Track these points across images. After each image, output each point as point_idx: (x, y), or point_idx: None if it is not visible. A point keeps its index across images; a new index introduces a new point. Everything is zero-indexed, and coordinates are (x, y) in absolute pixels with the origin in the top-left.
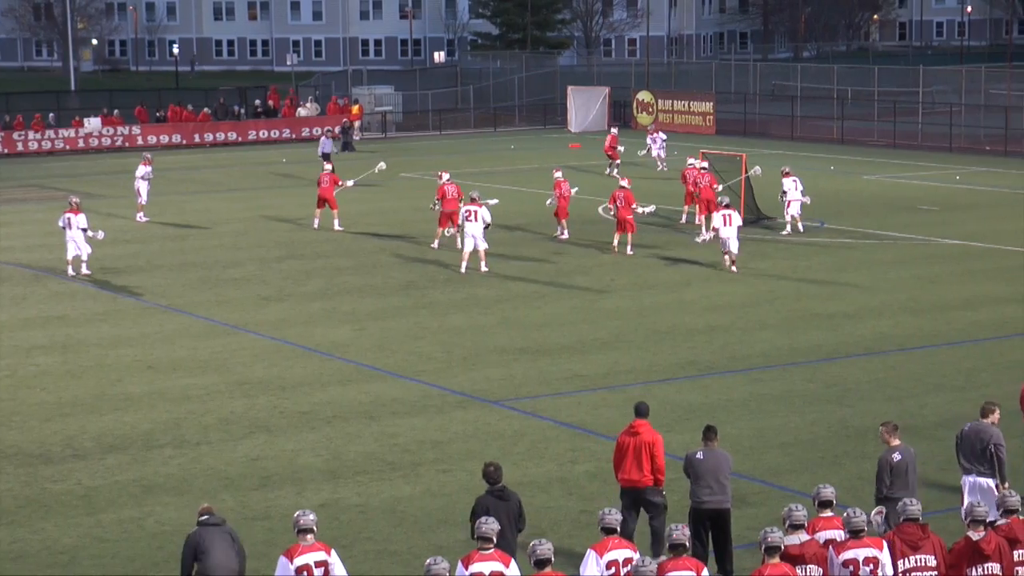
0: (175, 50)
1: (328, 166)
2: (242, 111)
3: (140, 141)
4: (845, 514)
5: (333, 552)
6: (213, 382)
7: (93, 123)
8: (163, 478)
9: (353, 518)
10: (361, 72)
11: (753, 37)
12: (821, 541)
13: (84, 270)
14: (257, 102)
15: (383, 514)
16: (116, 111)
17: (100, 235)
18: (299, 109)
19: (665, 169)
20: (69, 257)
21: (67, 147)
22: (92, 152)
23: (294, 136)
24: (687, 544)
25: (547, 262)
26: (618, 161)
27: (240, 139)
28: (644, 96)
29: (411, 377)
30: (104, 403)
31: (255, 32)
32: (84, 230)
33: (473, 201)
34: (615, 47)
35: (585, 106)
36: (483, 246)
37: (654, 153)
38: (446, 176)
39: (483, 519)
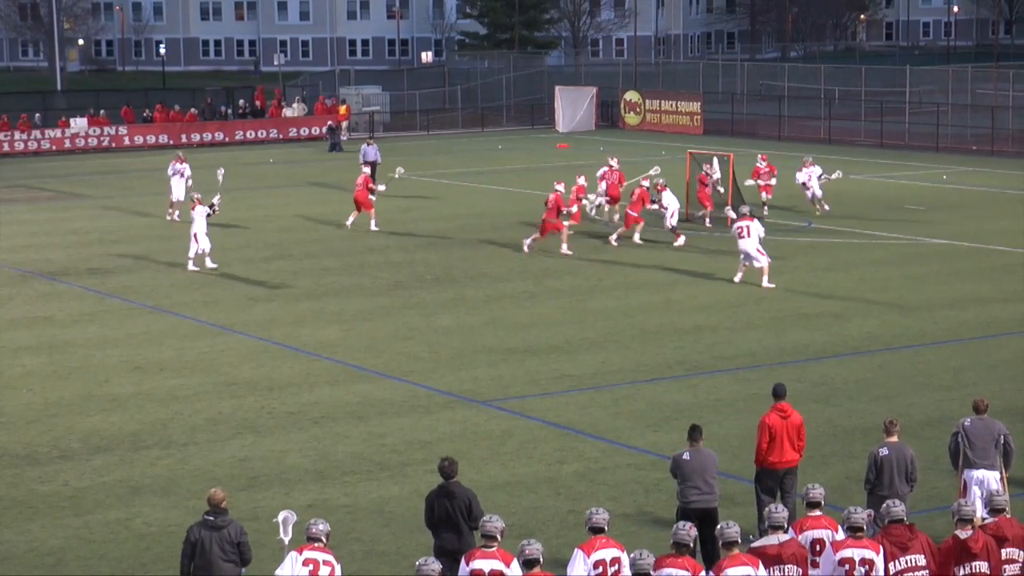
0: (162, 50)
1: (366, 169)
2: (229, 111)
3: (127, 141)
4: (845, 512)
5: (340, 564)
6: (200, 383)
7: (79, 123)
8: (150, 479)
9: (341, 518)
10: (348, 72)
11: (740, 37)
12: (808, 540)
13: (209, 264)
14: (243, 102)
15: (371, 514)
16: (103, 111)
17: (217, 199)
18: (286, 109)
19: (827, 209)
20: (191, 253)
21: (53, 147)
22: (78, 152)
23: (281, 136)
24: (691, 545)
25: (534, 262)
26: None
27: (227, 139)
28: (632, 96)
29: (399, 377)
30: (91, 404)
31: (242, 32)
32: (207, 215)
33: (744, 216)
34: (603, 47)
35: (573, 106)
36: (764, 262)
37: (815, 192)
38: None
39: (487, 517)
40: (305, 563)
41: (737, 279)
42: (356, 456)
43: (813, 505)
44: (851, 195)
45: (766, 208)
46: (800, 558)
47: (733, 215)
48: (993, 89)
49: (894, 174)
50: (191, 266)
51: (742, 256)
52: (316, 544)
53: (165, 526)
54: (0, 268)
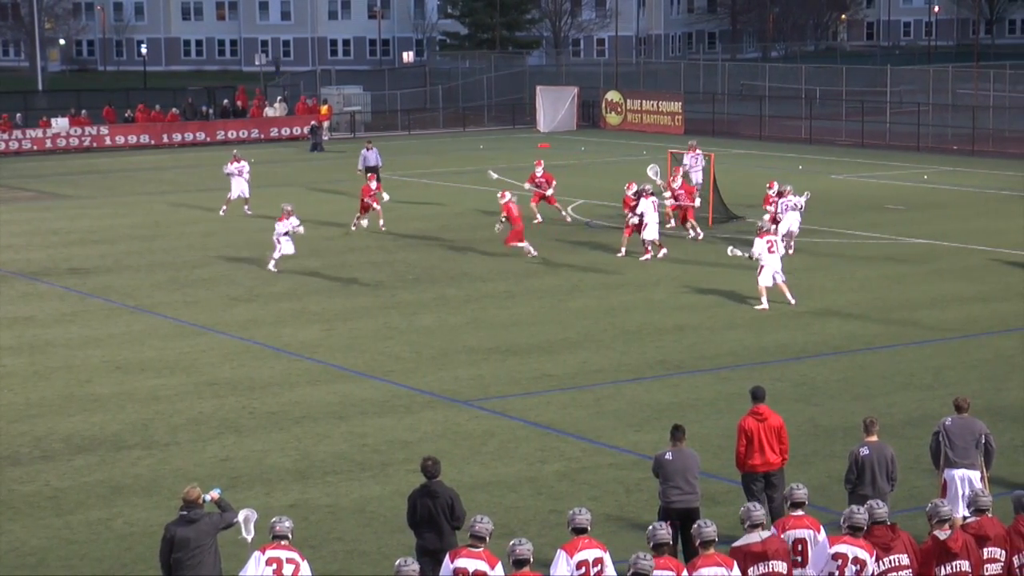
0: (143, 50)
1: (372, 183)
2: (210, 111)
3: (108, 141)
4: (848, 510)
5: (307, 561)
6: (182, 383)
7: (61, 123)
8: (132, 479)
9: (322, 518)
10: (330, 72)
11: (721, 37)
12: (790, 540)
13: (272, 267)
14: (225, 102)
15: (352, 514)
16: (84, 111)
17: (300, 228)
18: (267, 109)
19: (790, 251)
20: (276, 255)
21: (34, 147)
22: (59, 152)
23: (263, 136)
24: (671, 543)
25: (516, 262)
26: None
27: (208, 139)
28: (613, 96)
29: (380, 377)
30: (72, 404)
31: (223, 32)
32: (285, 233)
33: (767, 231)
34: (584, 47)
35: (554, 106)
36: (781, 279)
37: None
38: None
39: (477, 517)
40: (268, 562)
41: (766, 305)
42: (338, 456)
43: (797, 505)
44: (832, 195)
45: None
46: (783, 553)
47: (739, 252)
48: (974, 89)
49: (875, 174)
50: (271, 266)
51: (768, 274)
52: (282, 542)
53: (146, 526)
54: None
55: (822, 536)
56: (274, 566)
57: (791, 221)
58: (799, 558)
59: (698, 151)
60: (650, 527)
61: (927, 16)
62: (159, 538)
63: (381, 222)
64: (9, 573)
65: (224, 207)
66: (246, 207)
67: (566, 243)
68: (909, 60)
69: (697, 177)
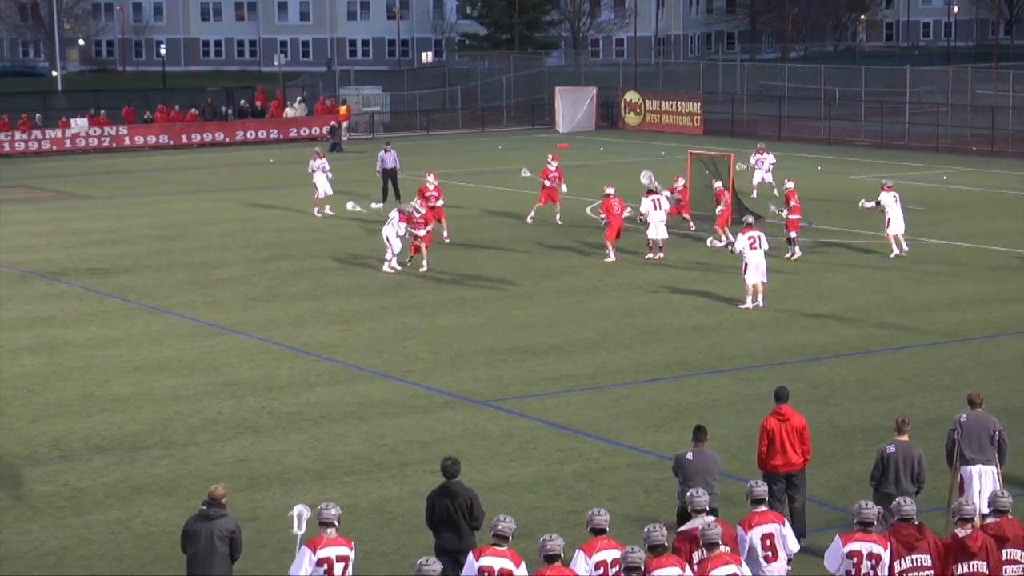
0: (162, 50)
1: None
2: (229, 111)
3: (127, 142)
4: (856, 506)
5: (354, 547)
6: (200, 383)
7: (80, 124)
8: (150, 479)
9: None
10: (348, 72)
11: (740, 37)
12: (759, 536)
13: (396, 265)
14: (243, 102)
15: (371, 515)
16: (103, 111)
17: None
18: (286, 110)
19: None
20: (388, 256)
21: (54, 148)
22: (79, 153)
23: (281, 137)
24: (666, 544)
25: (534, 262)
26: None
27: (227, 140)
28: (632, 96)
29: (399, 378)
30: (91, 404)
31: (242, 32)
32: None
33: (751, 227)
34: (603, 47)
35: (573, 106)
36: (759, 278)
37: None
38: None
39: (500, 517)
40: (319, 563)
41: (751, 304)
42: (356, 456)
43: (757, 502)
44: (851, 195)
45: (796, 248)
46: (729, 538)
47: (718, 244)
48: (993, 89)
49: (894, 174)
50: (386, 267)
51: (751, 272)
52: (329, 532)
53: (165, 526)
54: (0, 268)
55: (788, 529)
56: (324, 567)
57: (896, 217)
58: (769, 553)
59: (766, 152)
60: (645, 529)
61: (946, 17)
62: (177, 538)
63: (445, 233)
64: (28, 573)
65: (316, 208)
66: (319, 209)
67: (585, 244)
68: (928, 61)
69: (767, 177)
